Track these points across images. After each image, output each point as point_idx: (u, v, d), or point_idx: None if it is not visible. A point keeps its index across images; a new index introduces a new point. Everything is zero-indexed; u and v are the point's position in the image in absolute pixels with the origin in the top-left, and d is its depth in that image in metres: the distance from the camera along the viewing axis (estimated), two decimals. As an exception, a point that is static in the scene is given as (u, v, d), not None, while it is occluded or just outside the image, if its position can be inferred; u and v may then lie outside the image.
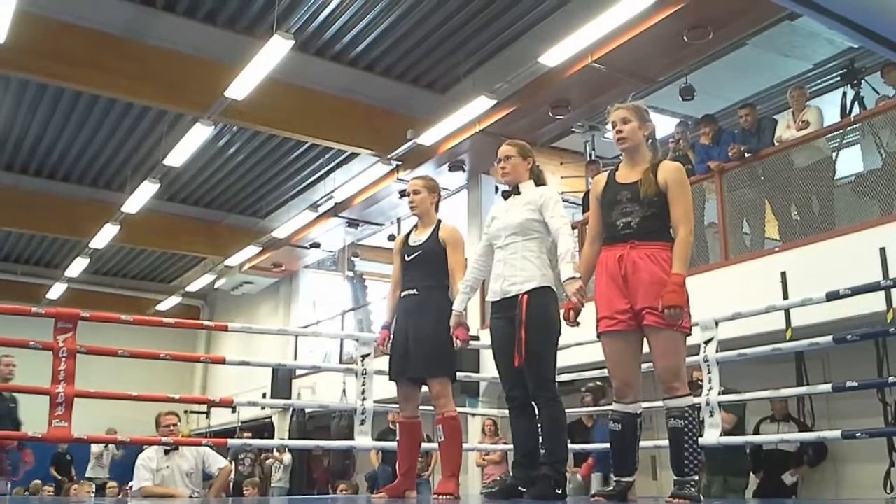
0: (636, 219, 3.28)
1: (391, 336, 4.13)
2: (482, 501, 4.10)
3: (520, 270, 3.66)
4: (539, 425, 3.69)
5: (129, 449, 11.08)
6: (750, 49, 8.65)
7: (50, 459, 12.63)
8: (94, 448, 13.06)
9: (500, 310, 3.73)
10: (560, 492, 3.56)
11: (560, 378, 5.09)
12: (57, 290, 17.06)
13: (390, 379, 4.14)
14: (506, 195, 3.89)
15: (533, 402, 3.68)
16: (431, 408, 4.07)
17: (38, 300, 16.61)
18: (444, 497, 3.75)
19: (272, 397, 13.14)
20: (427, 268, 4.04)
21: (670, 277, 3.17)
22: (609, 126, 3.49)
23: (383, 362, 4.56)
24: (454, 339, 3.80)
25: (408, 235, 4.24)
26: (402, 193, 7.90)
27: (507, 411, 3.88)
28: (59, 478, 12.47)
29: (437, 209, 4.21)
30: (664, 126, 9.01)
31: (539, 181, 3.86)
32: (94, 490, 11.23)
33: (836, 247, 6.28)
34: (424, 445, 5.02)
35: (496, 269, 3.78)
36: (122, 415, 10.06)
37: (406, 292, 4.07)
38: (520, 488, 3.65)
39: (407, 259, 4.13)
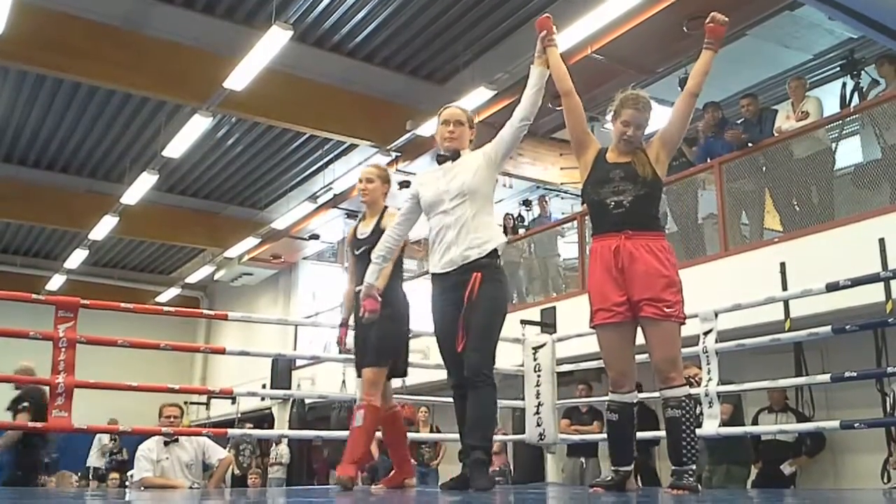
0: (629, 198, 3.29)
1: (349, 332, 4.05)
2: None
3: (480, 231, 3.48)
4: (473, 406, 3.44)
5: (124, 440, 11.09)
6: (750, 39, 8.62)
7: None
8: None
9: (449, 289, 3.48)
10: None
11: (558, 368, 5.12)
12: (56, 282, 17.07)
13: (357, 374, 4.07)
14: (441, 161, 3.69)
15: (468, 383, 3.42)
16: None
17: (37, 292, 16.50)
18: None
19: (272, 388, 13.17)
20: None
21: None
22: (621, 111, 3.52)
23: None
24: (361, 309, 3.66)
25: (356, 228, 4.16)
26: (401, 185, 7.86)
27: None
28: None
29: (385, 198, 4.15)
30: (663, 117, 8.97)
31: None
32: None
33: (836, 238, 6.28)
34: (432, 436, 5.00)
35: (445, 237, 3.51)
36: (123, 406, 10.08)
37: (359, 287, 3.89)
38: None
39: (356, 253, 4.05)
